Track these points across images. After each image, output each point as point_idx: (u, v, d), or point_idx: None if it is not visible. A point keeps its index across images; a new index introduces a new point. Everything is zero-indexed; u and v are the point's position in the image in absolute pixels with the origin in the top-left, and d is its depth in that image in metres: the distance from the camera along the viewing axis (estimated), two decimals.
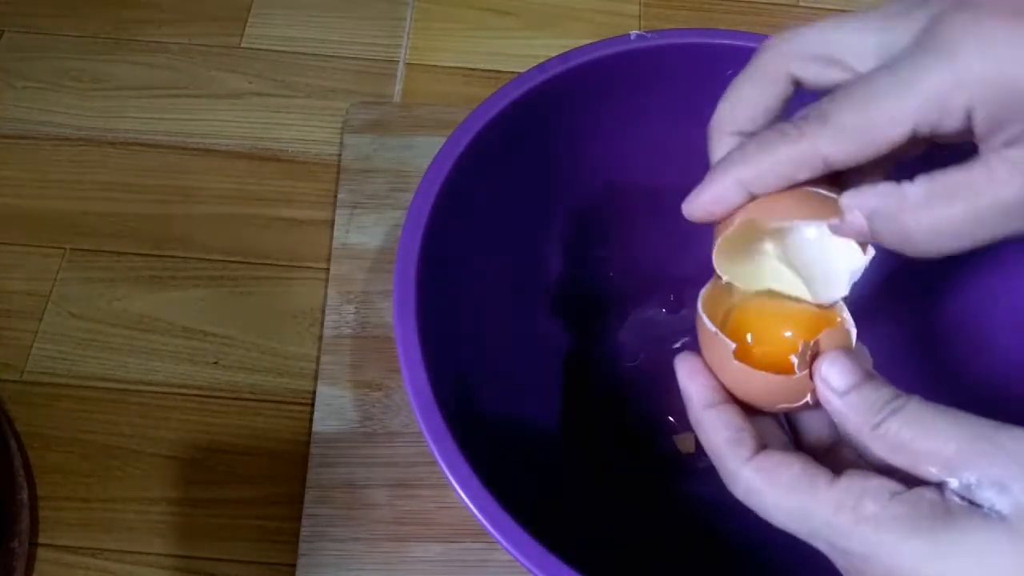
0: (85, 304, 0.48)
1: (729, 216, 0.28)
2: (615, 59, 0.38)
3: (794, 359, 0.26)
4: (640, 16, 0.60)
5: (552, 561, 0.28)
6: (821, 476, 0.24)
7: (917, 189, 0.25)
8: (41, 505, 0.43)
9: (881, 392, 0.25)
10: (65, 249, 0.50)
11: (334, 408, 0.45)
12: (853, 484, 0.24)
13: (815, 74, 0.27)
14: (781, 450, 0.26)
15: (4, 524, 0.40)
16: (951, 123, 0.24)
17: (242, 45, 0.57)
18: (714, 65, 0.39)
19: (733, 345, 0.27)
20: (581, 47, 0.38)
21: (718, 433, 0.26)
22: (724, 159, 0.28)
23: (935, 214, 0.24)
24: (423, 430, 0.31)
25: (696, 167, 0.42)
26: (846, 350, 0.26)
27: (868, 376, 0.25)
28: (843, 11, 0.60)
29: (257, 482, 0.44)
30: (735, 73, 0.32)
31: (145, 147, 0.53)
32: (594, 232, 0.45)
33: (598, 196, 0.43)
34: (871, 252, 0.27)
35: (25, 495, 0.42)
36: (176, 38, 0.57)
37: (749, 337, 0.28)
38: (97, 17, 0.58)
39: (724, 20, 0.59)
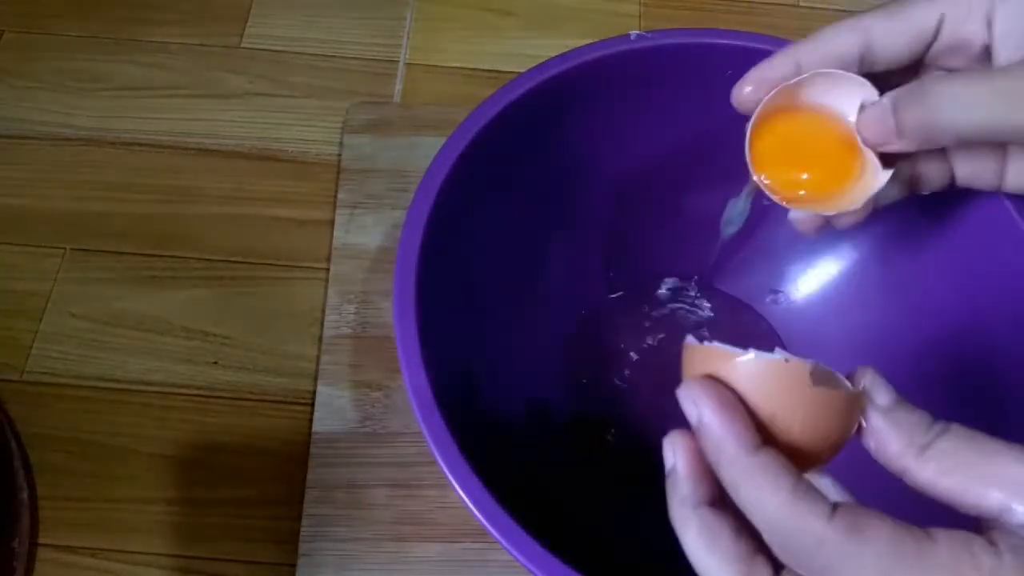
0: (85, 304, 0.48)
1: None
2: (615, 59, 0.38)
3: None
4: (640, 16, 0.60)
5: (552, 561, 0.28)
6: (918, 532, 0.20)
7: (937, 72, 0.29)
8: (41, 505, 0.43)
9: (920, 413, 0.22)
10: (65, 249, 0.50)
11: (334, 408, 0.45)
12: (955, 541, 0.20)
13: None
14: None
15: (4, 524, 0.40)
16: (972, 26, 0.28)
17: (242, 45, 0.57)
18: (714, 65, 0.39)
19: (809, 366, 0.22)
20: (581, 47, 0.38)
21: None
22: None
23: (957, 82, 0.27)
24: (423, 430, 0.31)
25: (695, 166, 0.42)
26: (875, 369, 0.23)
27: (901, 398, 0.23)
28: (845, 12, 0.60)
29: (257, 482, 0.44)
30: (735, 73, 0.32)
31: (145, 147, 0.53)
32: (594, 231, 0.45)
33: (597, 195, 0.43)
34: (889, 172, 0.30)
35: (25, 495, 0.42)
36: (176, 38, 0.57)
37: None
38: (97, 17, 0.58)
39: (724, 20, 0.59)
